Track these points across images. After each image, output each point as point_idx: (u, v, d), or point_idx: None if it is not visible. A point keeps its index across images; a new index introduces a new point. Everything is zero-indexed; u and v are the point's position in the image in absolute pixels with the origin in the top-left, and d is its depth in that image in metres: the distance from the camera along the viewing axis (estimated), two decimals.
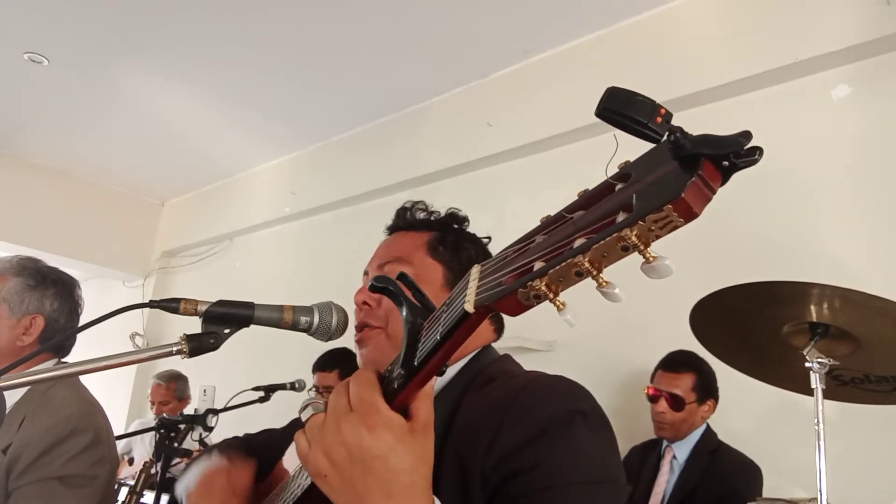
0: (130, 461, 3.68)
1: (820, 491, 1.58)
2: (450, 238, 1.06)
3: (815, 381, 1.60)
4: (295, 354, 3.20)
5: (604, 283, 0.47)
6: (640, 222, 0.43)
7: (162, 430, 2.05)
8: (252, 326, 0.88)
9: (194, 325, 0.87)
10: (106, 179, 5.66)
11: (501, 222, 3.35)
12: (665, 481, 2.36)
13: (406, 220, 1.10)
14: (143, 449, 3.91)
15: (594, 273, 0.46)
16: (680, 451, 2.38)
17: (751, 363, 1.91)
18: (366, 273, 1.07)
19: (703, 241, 2.78)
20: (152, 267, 5.85)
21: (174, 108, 4.38)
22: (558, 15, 3.21)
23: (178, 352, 0.83)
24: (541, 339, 3.00)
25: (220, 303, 0.87)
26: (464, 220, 1.13)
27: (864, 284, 1.58)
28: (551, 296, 0.48)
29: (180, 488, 1.10)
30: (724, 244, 2.70)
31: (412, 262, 1.01)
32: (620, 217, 0.45)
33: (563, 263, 0.47)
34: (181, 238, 5.73)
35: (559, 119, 3.33)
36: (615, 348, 2.82)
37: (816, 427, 1.60)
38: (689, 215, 0.43)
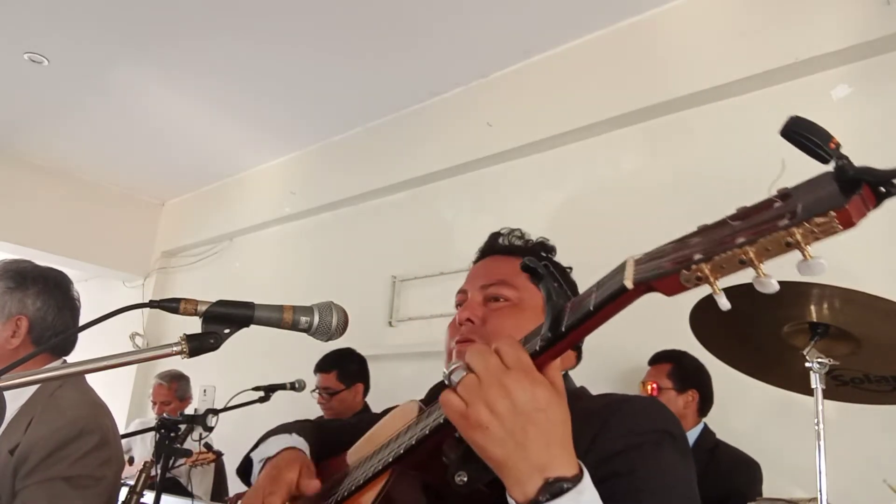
0: (130, 461, 3.68)
1: (820, 491, 1.57)
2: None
3: (815, 381, 1.59)
4: (295, 354, 3.20)
5: (763, 275, 0.52)
6: (805, 223, 0.49)
7: (162, 430, 2.05)
8: (252, 326, 0.88)
9: (194, 325, 0.87)
10: (106, 179, 5.66)
11: (501, 222, 3.33)
12: None
13: (503, 246, 1.15)
14: (142, 449, 3.91)
15: (756, 263, 0.52)
16: None
17: (751, 363, 1.91)
18: (463, 291, 1.10)
19: None
20: (152, 267, 5.85)
21: (174, 109, 4.38)
22: (558, 15, 3.21)
23: (179, 352, 0.83)
24: None
25: (220, 303, 0.87)
26: (552, 248, 1.19)
27: (864, 284, 1.58)
28: (712, 279, 0.54)
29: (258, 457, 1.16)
30: None
31: (516, 285, 1.05)
32: (784, 220, 0.50)
33: (729, 252, 0.53)
34: (181, 238, 5.73)
35: (559, 119, 3.33)
36: (614, 347, 2.82)
37: (816, 427, 1.60)
38: (848, 224, 0.50)
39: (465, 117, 3.78)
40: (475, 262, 1.19)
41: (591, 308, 0.64)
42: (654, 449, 0.82)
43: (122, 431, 1.63)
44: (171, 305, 0.86)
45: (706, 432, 2.41)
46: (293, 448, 1.11)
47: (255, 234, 5.15)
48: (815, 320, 1.64)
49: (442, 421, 0.76)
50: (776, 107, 2.74)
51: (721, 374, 2.34)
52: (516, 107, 3.55)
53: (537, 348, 0.69)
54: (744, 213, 0.56)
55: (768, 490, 2.20)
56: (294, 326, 0.89)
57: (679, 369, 2.44)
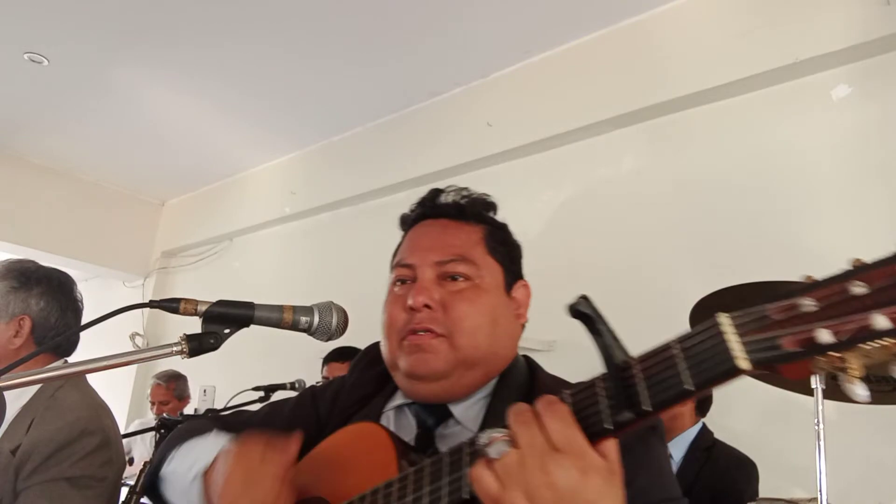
0: (130, 461, 3.67)
1: (820, 491, 1.57)
2: (499, 234, 0.98)
3: (815, 381, 1.60)
4: (295, 354, 3.20)
5: None
6: None
7: (162, 430, 2.06)
8: (252, 326, 0.88)
9: (194, 325, 0.87)
10: (106, 179, 5.66)
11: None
12: None
13: (451, 208, 0.98)
14: (143, 449, 3.92)
15: None
16: (676, 450, 2.39)
17: None
18: (408, 266, 0.94)
19: (703, 241, 2.79)
20: (152, 267, 5.85)
21: (174, 108, 4.38)
22: (558, 15, 3.21)
23: (178, 352, 0.83)
24: (541, 338, 3.00)
25: (220, 303, 0.87)
26: (494, 206, 1.01)
27: None
28: (856, 372, 0.45)
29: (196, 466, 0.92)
30: (724, 244, 2.70)
31: (475, 261, 0.92)
32: None
33: (880, 343, 0.44)
34: (181, 238, 5.73)
35: (559, 119, 3.33)
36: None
37: (816, 427, 1.60)
38: None
39: (465, 117, 3.78)
40: (411, 222, 1.02)
41: (693, 388, 0.53)
42: (642, 448, 0.75)
43: (122, 431, 1.63)
44: (171, 305, 0.86)
45: (704, 431, 2.41)
46: None
47: (255, 234, 5.15)
48: None
49: (463, 497, 0.63)
50: (776, 107, 2.74)
51: None
52: (516, 107, 3.54)
53: (609, 426, 0.57)
54: (866, 274, 0.48)
55: (768, 490, 2.20)
56: (294, 326, 0.89)
57: None
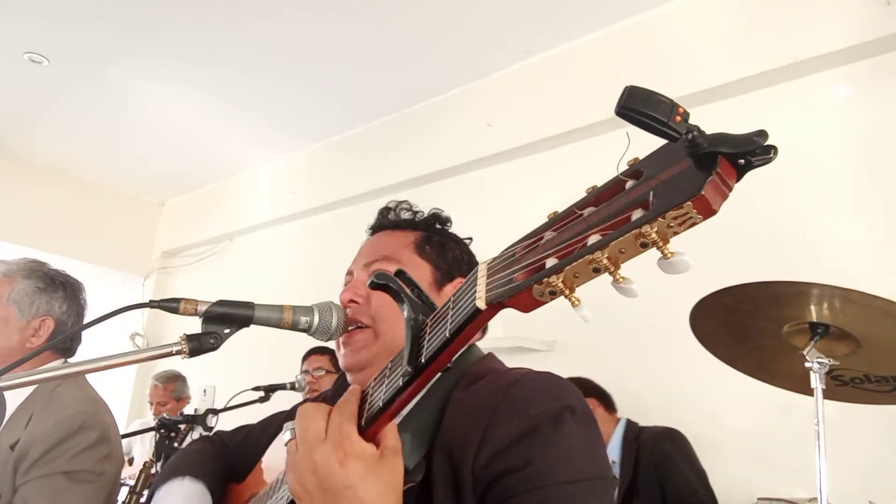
0: (130, 461, 3.68)
1: (820, 491, 1.57)
2: (435, 238, 1.07)
3: (815, 381, 1.60)
4: (295, 354, 3.20)
5: (620, 279, 0.46)
6: (660, 219, 0.43)
7: (162, 430, 2.06)
8: (252, 326, 0.88)
9: (194, 325, 0.87)
10: (106, 179, 5.66)
11: (501, 222, 3.35)
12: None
13: (390, 220, 1.11)
14: (143, 449, 3.91)
15: (612, 269, 0.46)
16: (612, 453, 2.41)
17: (751, 363, 1.91)
18: (349, 273, 1.04)
19: (702, 241, 2.79)
20: (152, 267, 5.85)
21: (174, 108, 4.38)
22: (558, 15, 3.21)
23: (178, 352, 0.83)
24: (541, 339, 3.00)
25: (220, 303, 0.87)
26: (447, 220, 1.13)
27: (864, 284, 1.58)
28: (567, 292, 0.48)
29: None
30: (725, 244, 2.69)
31: (400, 260, 1.00)
32: (637, 213, 0.44)
33: (580, 259, 0.46)
34: (181, 238, 5.73)
35: (559, 119, 3.33)
36: (615, 348, 2.82)
37: (816, 427, 1.60)
38: (708, 212, 0.43)
39: (465, 117, 3.78)
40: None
41: (448, 335, 0.57)
42: (552, 430, 0.74)
43: (122, 431, 1.64)
44: (171, 305, 0.86)
45: (629, 427, 2.43)
46: None
47: (256, 233, 5.16)
48: (815, 320, 1.64)
49: None
50: (776, 107, 2.74)
51: (721, 374, 2.35)
52: (516, 107, 3.54)
53: (401, 384, 0.62)
54: (594, 198, 0.51)
55: (768, 490, 2.20)
56: (294, 326, 0.89)
57: None
